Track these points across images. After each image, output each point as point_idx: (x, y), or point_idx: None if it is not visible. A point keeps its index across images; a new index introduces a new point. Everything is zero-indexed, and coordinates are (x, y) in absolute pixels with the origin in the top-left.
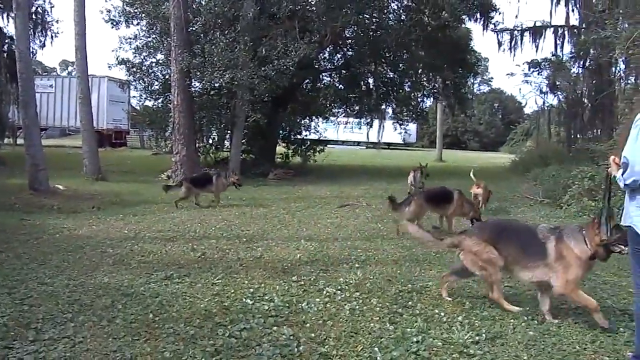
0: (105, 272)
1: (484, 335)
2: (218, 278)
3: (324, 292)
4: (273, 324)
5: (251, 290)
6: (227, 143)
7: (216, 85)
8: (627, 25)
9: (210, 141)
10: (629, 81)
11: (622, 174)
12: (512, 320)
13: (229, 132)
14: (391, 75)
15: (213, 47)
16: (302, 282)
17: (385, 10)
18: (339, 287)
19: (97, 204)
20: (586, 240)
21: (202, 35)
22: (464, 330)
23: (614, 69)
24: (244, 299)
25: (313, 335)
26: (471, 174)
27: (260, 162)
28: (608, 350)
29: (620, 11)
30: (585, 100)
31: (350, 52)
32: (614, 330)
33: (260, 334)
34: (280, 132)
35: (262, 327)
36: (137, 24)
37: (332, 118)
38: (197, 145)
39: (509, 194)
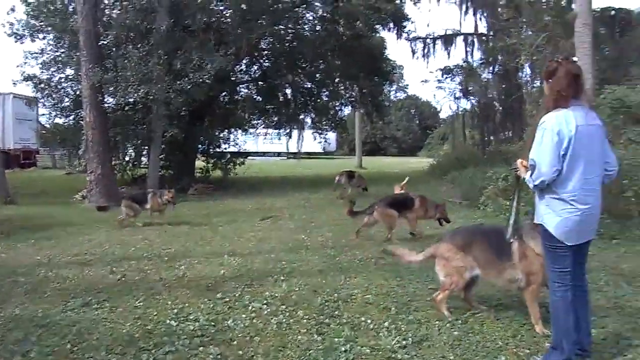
0: (17, 303)
1: (410, 339)
2: (140, 301)
3: (250, 308)
4: (199, 345)
5: (175, 311)
6: (144, 159)
7: (130, 100)
8: (530, 33)
9: (127, 158)
10: (535, 85)
11: (531, 175)
12: (437, 322)
13: (145, 148)
14: (309, 85)
15: (126, 61)
16: (227, 299)
17: (301, 21)
18: (265, 302)
19: (6, 230)
20: None
21: (114, 49)
22: (391, 336)
23: (520, 73)
24: (168, 321)
25: (240, 352)
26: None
27: (179, 178)
28: (528, 343)
29: (524, 20)
30: (496, 104)
31: (267, 64)
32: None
33: (187, 355)
34: (199, 146)
35: (188, 349)
36: (44, 38)
37: (251, 130)
38: (112, 162)
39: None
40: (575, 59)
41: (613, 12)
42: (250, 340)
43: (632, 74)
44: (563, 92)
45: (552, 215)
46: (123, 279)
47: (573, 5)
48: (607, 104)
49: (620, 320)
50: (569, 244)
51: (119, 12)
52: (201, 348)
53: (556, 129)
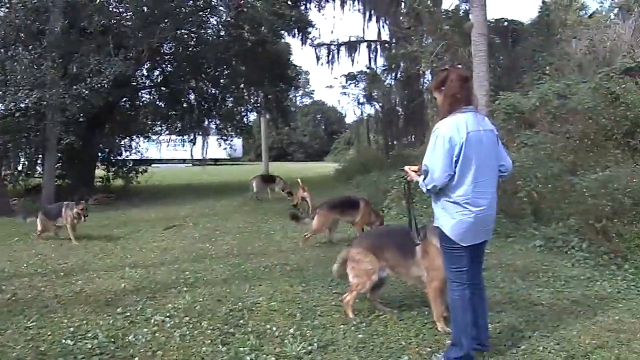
0: None
1: (316, 344)
2: (32, 320)
3: (152, 321)
4: None
5: (71, 329)
6: (39, 169)
7: (22, 105)
8: (430, 41)
9: (20, 167)
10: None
11: (424, 180)
12: (342, 326)
13: (40, 156)
14: (213, 91)
15: (15, 64)
16: (128, 313)
17: (204, 26)
18: (168, 314)
19: None
20: None
21: (1, 50)
22: (296, 342)
23: (422, 80)
24: (64, 340)
25: None
26: (299, 181)
27: (77, 188)
28: (430, 342)
29: (424, 28)
30: (399, 109)
31: (170, 69)
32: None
33: None
34: (99, 154)
35: None
36: None
37: (154, 137)
38: (2, 173)
39: None
40: (460, 66)
41: (506, 23)
42: (153, 355)
43: (524, 81)
44: (458, 95)
45: (447, 217)
46: (13, 297)
47: (470, 16)
48: (502, 109)
49: (515, 314)
50: (464, 245)
51: (6, 10)
52: None
53: (448, 135)
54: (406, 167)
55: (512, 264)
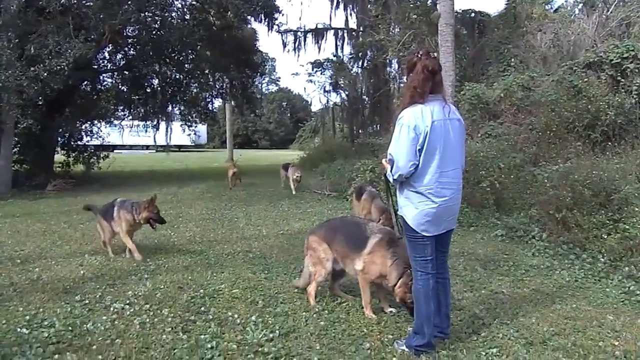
0: None
1: (277, 331)
2: None
3: (112, 309)
4: (54, 352)
5: (27, 317)
6: None
7: None
8: (397, 30)
9: None
10: (402, 80)
11: (391, 170)
12: (304, 314)
13: None
14: (177, 76)
15: None
16: (87, 301)
17: (169, 9)
18: (128, 302)
19: None
20: None
21: None
22: (258, 330)
23: (388, 69)
24: (19, 329)
25: (100, 357)
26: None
27: (36, 173)
28: (392, 329)
29: (392, 17)
30: (365, 98)
31: (133, 52)
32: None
33: None
34: (59, 138)
35: (42, 358)
36: None
37: (116, 122)
38: None
39: (298, 190)
40: (434, 54)
41: (473, 15)
42: (112, 343)
43: (489, 73)
44: (418, 89)
45: (410, 207)
46: None
47: (437, 6)
48: (467, 100)
49: (476, 302)
50: (427, 235)
51: None
52: (56, 356)
53: (412, 124)
54: (383, 160)
55: (474, 253)
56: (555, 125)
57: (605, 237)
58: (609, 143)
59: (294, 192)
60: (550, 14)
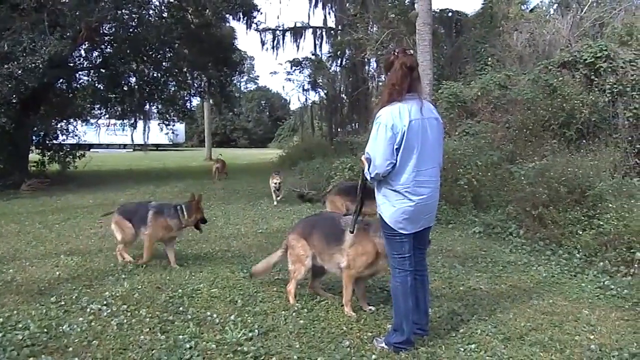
0: None
1: (256, 330)
2: None
3: (88, 310)
4: (29, 355)
5: (0, 320)
6: None
7: None
8: (376, 29)
9: None
10: (380, 79)
11: (368, 169)
12: (283, 312)
13: None
14: (155, 74)
15: None
16: (63, 302)
17: (146, 6)
18: (105, 302)
19: None
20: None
21: None
22: (237, 329)
23: (367, 67)
24: None
25: (77, 359)
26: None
27: (10, 172)
28: (371, 326)
29: (370, 16)
30: (344, 97)
31: (109, 50)
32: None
33: None
34: (33, 137)
35: None
36: None
37: (92, 120)
38: None
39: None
40: (411, 51)
41: (451, 14)
42: (88, 345)
43: (466, 72)
44: (397, 86)
45: (387, 205)
46: None
47: (415, 5)
48: (444, 99)
49: (454, 299)
50: (404, 233)
51: None
52: (31, 359)
53: (390, 123)
54: (362, 157)
55: (451, 250)
56: (531, 124)
57: (581, 233)
58: (584, 141)
59: (275, 203)
60: (526, 14)
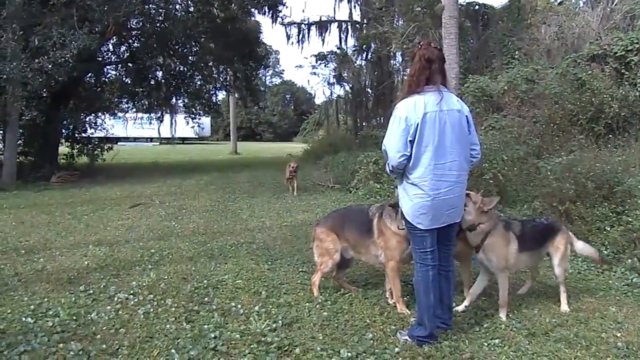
0: None
1: (280, 322)
2: None
3: (115, 299)
4: (59, 341)
5: (32, 307)
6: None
7: None
8: (401, 23)
9: None
10: (405, 72)
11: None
12: (307, 304)
13: (1, 132)
14: (181, 68)
15: None
16: (91, 291)
17: (172, 1)
18: (132, 292)
19: None
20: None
21: None
22: (261, 320)
23: (392, 61)
24: (24, 318)
25: (104, 346)
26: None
27: (40, 165)
28: (395, 320)
29: (396, 9)
30: (369, 90)
31: (137, 44)
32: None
33: (44, 354)
34: (63, 130)
35: (46, 347)
36: None
37: (120, 114)
38: None
39: (302, 182)
40: (435, 44)
41: (477, 7)
42: (115, 332)
43: (493, 66)
44: (415, 78)
45: (406, 199)
46: None
47: None
48: (470, 93)
49: (479, 293)
50: (422, 228)
51: None
52: (61, 345)
53: (404, 115)
54: None
55: None
56: (558, 118)
57: (609, 229)
58: (612, 136)
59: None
60: (554, 7)
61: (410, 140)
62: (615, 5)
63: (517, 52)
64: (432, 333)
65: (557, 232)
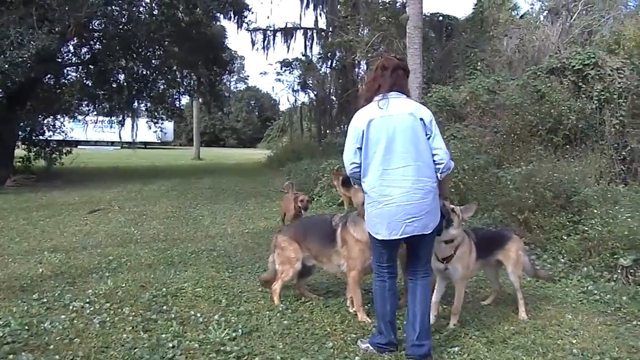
0: None
1: (240, 330)
2: None
3: (71, 308)
4: (9, 352)
5: None
6: None
7: None
8: (366, 31)
9: None
10: None
11: None
12: (267, 312)
13: None
14: (144, 72)
15: None
16: (45, 300)
17: (136, 3)
18: (88, 300)
19: None
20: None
21: None
22: (220, 329)
23: (356, 70)
24: None
25: (57, 357)
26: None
27: None
28: (355, 328)
29: (361, 18)
30: (333, 98)
31: (99, 46)
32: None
33: None
34: (20, 132)
35: None
36: None
37: (80, 117)
38: None
39: (264, 189)
40: (397, 55)
41: (441, 18)
42: (70, 342)
43: (456, 76)
44: (368, 86)
45: (367, 207)
46: None
47: (407, 8)
48: (433, 102)
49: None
50: (379, 239)
51: None
52: (11, 356)
53: (354, 124)
54: None
55: None
56: (519, 129)
57: (566, 238)
58: (570, 147)
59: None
60: (516, 20)
61: (358, 148)
62: (574, 20)
63: (479, 63)
64: (392, 341)
65: (507, 239)
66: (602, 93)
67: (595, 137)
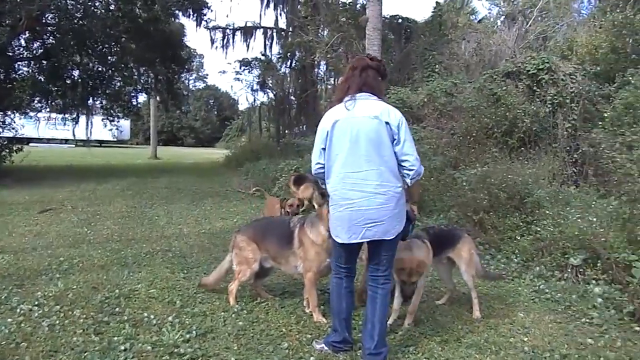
0: None
1: (194, 332)
2: None
3: (18, 311)
4: None
5: None
6: None
7: None
8: (326, 32)
9: None
10: (329, 82)
11: None
12: (222, 314)
13: None
14: (100, 68)
15: None
16: None
17: None
18: (36, 303)
19: None
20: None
21: None
22: (174, 330)
23: (316, 70)
24: None
25: None
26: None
27: None
28: (311, 329)
29: (321, 19)
30: (292, 98)
31: (52, 41)
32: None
33: None
34: None
35: None
36: None
37: (31, 113)
38: None
39: (222, 189)
40: (369, 55)
41: (400, 20)
42: (16, 347)
43: (414, 78)
44: (340, 86)
45: (330, 209)
46: None
47: (366, 10)
48: (392, 103)
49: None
50: (339, 241)
51: None
52: None
53: (321, 124)
54: None
55: None
56: (475, 131)
57: (519, 238)
58: (524, 149)
59: None
60: (474, 24)
61: (323, 149)
62: (530, 26)
63: (437, 66)
64: (347, 339)
65: (458, 238)
66: (556, 97)
67: (549, 140)
